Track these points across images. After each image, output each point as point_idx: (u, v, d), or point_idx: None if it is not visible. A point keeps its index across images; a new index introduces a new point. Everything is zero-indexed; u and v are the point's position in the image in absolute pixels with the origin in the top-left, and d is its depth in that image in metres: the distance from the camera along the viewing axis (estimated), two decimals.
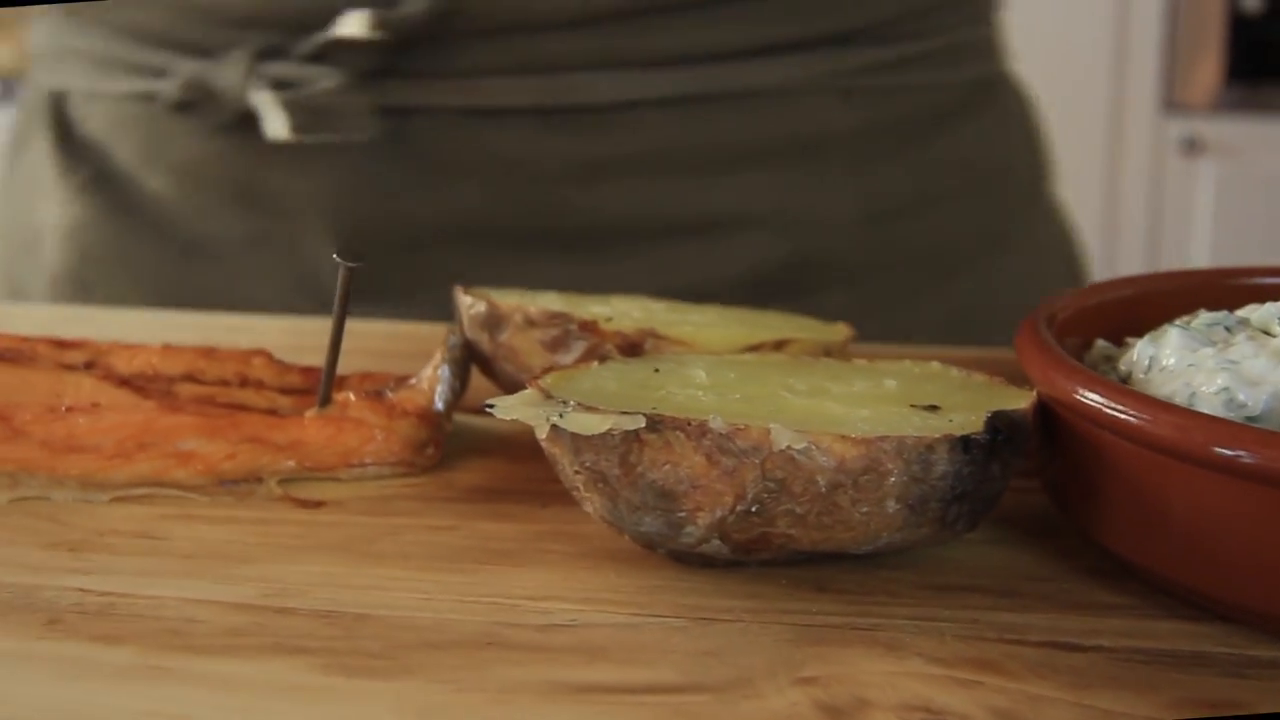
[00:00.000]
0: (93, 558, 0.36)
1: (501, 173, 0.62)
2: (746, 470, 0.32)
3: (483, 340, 0.42)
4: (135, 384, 0.42)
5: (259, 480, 0.40)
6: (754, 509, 0.33)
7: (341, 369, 0.43)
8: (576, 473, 0.34)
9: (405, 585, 0.35)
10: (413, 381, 0.43)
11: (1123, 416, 0.33)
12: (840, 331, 0.45)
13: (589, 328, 0.41)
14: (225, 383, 0.43)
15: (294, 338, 0.54)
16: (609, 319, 0.41)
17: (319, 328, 0.59)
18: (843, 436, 0.32)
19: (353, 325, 0.43)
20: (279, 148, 0.61)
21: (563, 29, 0.59)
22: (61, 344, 0.44)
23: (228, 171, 0.66)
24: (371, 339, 0.54)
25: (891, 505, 0.33)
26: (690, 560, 0.36)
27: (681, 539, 0.34)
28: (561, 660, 0.32)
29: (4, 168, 0.79)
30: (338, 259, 0.41)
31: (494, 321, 0.42)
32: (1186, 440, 0.31)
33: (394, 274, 0.62)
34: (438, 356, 0.43)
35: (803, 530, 0.33)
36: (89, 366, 0.43)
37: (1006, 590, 0.36)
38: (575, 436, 0.33)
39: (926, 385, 0.38)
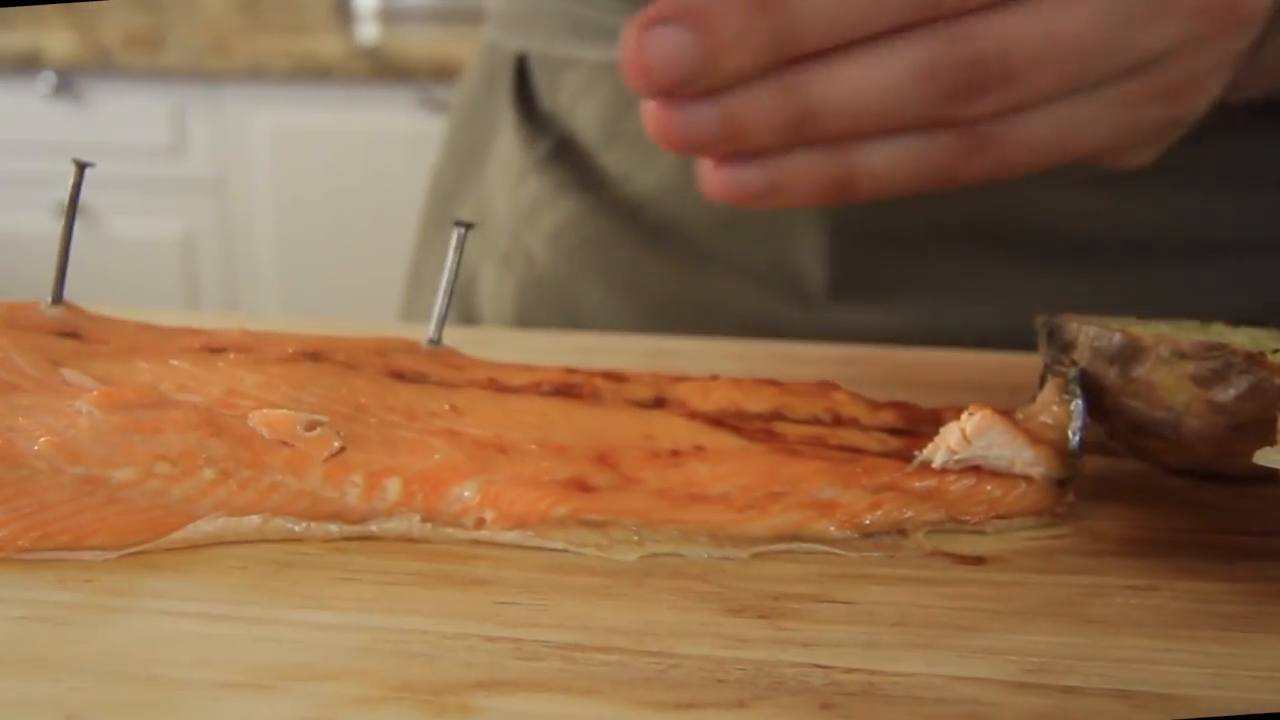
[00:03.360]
0: (791, 626, 0.32)
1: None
2: None
3: (1108, 374, 0.38)
4: (729, 424, 0.38)
5: (901, 533, 0.36)
6: None
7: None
8: None
9: (1171, 658, 0.31)
10: (1019, 416, 0.39)
11: None
12: None
13: (1256, 361, 0.37)
14: (818, 421, 0.39)
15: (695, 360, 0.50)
16: (1276, 350, 0.37)
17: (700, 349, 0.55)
18: None
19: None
20: None
21: None
22: (615, 376, 0.40)
23: None
24: (932, 369, 0.50)
25: None
26: None
27: None
28: None
29: (454, 134, 0.76)
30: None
31: (1130, 354, 0.38)
32: None
33: (877, 271, 0.58)
34: (1049, 390, 0.39)
35: None
36: (660, 403, 0.39)
37: None
38: None
39: None
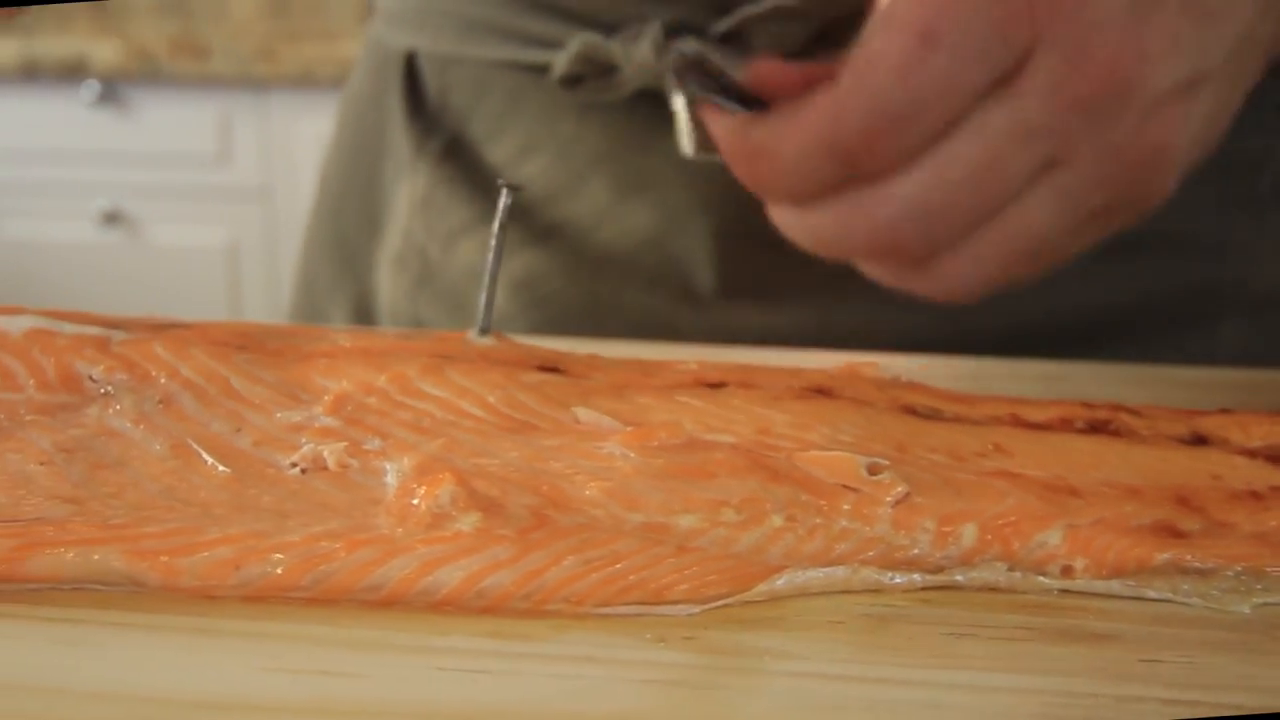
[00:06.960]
0: None
1: None
2: None
3: None
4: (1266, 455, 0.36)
5: None
6: None
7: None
8: None
9: None
10: None
11: None
12: None
13: None
14: None
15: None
16: None
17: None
18: None
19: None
20: (669, 135, 0.53)
21: None
22: (1134, 410, 0.38)
23: (601, 152, 0.61)
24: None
25: None
26: None
27: None
28: None
29: (343, 131, 0.74)
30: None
31: None
32: None
33: (765, 273, 0.59)
34: None
35: None
36: (1200, 440, 0.37)
37: None
38: None
39: None
